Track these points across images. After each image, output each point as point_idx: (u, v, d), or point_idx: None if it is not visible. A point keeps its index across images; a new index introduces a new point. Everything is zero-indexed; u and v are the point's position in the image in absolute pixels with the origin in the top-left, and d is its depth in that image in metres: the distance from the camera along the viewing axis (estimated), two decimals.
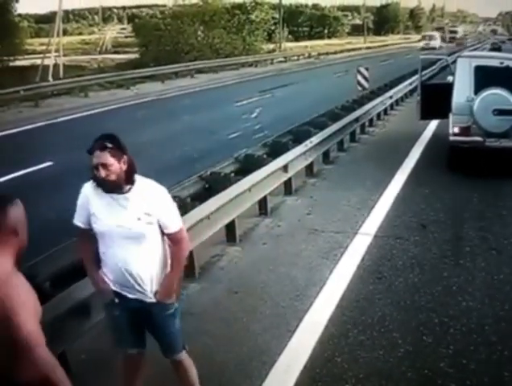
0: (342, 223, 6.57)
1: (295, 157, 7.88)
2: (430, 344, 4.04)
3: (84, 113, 16.31)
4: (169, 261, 2.98)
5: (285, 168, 7.52)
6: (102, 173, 2.73)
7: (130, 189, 2.82)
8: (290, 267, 5.38)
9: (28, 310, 2.01)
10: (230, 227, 5.99)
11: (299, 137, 8.98)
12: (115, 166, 2.74)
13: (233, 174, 6.72)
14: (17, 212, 2.14)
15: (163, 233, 2.92)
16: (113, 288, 2.92)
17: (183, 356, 3.11)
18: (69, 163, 8.95)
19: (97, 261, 2.96)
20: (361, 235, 6.19)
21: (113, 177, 2.75)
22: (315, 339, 4.10)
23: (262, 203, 6.91)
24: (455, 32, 73.12)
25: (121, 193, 2.81)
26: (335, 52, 44.58)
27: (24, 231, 2.17)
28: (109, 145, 2.72)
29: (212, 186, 6.17)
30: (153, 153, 9.71)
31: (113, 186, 2.78)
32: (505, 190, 7.84)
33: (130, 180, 2.81)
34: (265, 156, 7.71)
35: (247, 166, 7.01)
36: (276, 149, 7.97)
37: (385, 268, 5.31)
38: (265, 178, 6.79)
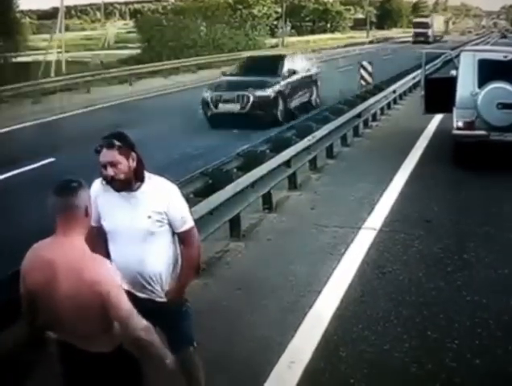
0: (346, 218, 6.56)
1: (298, 152, 7.86)
2: (434, 339, 4.03)
3: (87, 109, 16.30)
4: (180, 261, 2.94)
5: (288, 163, 7.50)
6: (111, 172, 2.70)
7: (139, 186, 2.79)
8: (294, 262, 5.37)
9: (118, 288, 2.26)
10: (234, 223, 5.98)
11: (301, 132, 8.95)
12: (124, 164, 2.70)
13: (235, 170, 6.70)
14: (86, 194, 2.32)
15: (173, 232, 2.89)
16: (123, 287, 2.89)
17: (190, 353, 3.10)
18: (72, 159, 8.95)
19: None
20: (365, 229, 6.17)
21: (121, 176, 2.71)
22: (319, 334, 4.09)
23: (266, 198, 6.90)
24: (424, 26, 46.95)
25: (130, 191, 2.78)
26: (338, 47, 44.44)
27: (91, 213, 2.37)
28: (117, 143, 2.68)
29: (215, 181, 6.15)
30: (151, 152, 9.69)
31: (122, 185, 2.75)
32: (509, 185, 7.80)
33: (139, 177, 2.77)
34: (268, 151, 7.68)
35: (250, 162, 6.99)
36: (279, 145, 7.95)
37: (389, 263, 5.30)
38: (268, 174, 6.77)
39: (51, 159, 9.73)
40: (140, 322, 2.26)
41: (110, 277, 2.28)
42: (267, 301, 4.62)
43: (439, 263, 5.31)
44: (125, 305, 2.26)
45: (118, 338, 2.39)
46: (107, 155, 2.69)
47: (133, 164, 2.73)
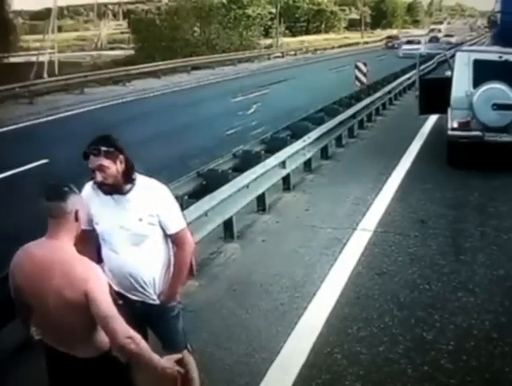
0: (341, 219, 6.54)
1: (293, 153, 7.84)
2: (430, 340, 4.01)
3: (80, 110, 16.24)
4: (173, 263, 2.91)
5: (283, 164, 7.48)
6: (99, 177, 2.67)
7: (130, 189, 2.76)
8: (288, 264, 5.35)
9: (104, 291, 2.25)
10: (228, 224, 5.95)
11: (296, 132, 8.94)
12: (112, 168, 2.67)
13: (230, 171, 6.67)
14: (76, 200, 2.34)
15: (165, 234, 2.86)
16: (116, 289, 2.86)
17: (185, 355, 3.06)
18: (66, 161, 8.88)
19: (99, 263, 2.90)
20: (360, 231, 6.16)
21: (110, 180, 2.69)
22: (314, 336, 4.07)
23: (260, 199, 6.87)
24: None
25: (121, 194, 2.75)
26: (332, 47, 44.52)
27: (83, 218, 2.39)
28: (103, 148, 2.65)
29: (210, 183, 6.12)
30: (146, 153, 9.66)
31: (112, 189, 2.72)
32: (504, 186, 7.80)
33: (129, 180, 2.74)
34: (262, 152, 7.66)
35: (245, 163, 6.97)
36: (274, 145, 7.93)
37: (384, 264, 5.28)
38: (263, 175, 6.74)
39: (45, 160, 9.68)
40: (125, 329, 2.22)
41: (96, 277, 2.27)
42: (262, 302, 4.60)
43: (435, 264, 5.30)
44: (107, 306, 2.23)
45: (106, 343, 2.36)
46: (94, 161, 2.66)
47: (121, 167, 2.70)
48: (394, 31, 71.72)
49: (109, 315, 2.21)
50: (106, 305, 2.22)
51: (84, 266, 2.28)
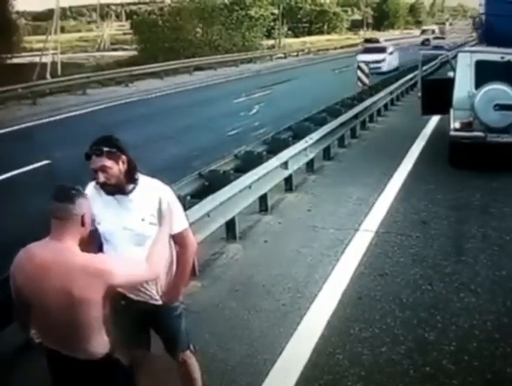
0: (343, 219, 6.54)
1: (296, 153, 7.85)
2: (432, 341, 4.01)
3: (83, 111, 16.27)
4: (175, 263, 2.92)
5: (285, 165, 7.49)
6: (101, 177, 2.68)
7: (133, 189, 2.76)
8: (291, 264, 5.35)
9: (121, 269, 2.37)
10: (230, 225, 5.96)
11: (299, 133, 8.94)
12: (114, 169, 2.67)
13: (232, 172, 6.68)
14: (84, 204, 2.33)
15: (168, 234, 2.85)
16: (118, 289, 2.86)
17: (187, 356, 3.07)
18: (68, 162, 8.91)
19: None
20: (362, 231, 6.16)
21: (112, 180, 2.69)
22: (316, 337, 4.07)
23: (263, 200, 6.88)
24: None
25: (124, 194, 2.76)
26: (334, 48, 44.50)
27: (88, 223, 2.38)
28: (105, 149, 2.65)
29: (212, 183, 6.13)
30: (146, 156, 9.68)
31: (114, 189, 2.73)
32: (506, 187, 7.79)
33: (131, 180, 2.75)
34: (264, 153, 7.67)
35: (247, 164, 6.98)
36: (276, 146, 7.94)
37: (386, 265, 5.28)
38: (265, 175, 6.75)
39: (47, 161, 9.70)
40: (143, 272, 2.48)
41: (110, 267, 2.30)
42: (264, 303, 4.61)
43: (437, 265, 5.30)
44: (131, 278, 2.47)
45: (107, 344, 2.36)
46: (96, 162, 2.66)
47: (123, 167, 2.71)
48: (396, 32, 71.31)
49: (137, 279, 2.54)
50: (130, 278, 2.46)
51: (92, 257, 2.30)
